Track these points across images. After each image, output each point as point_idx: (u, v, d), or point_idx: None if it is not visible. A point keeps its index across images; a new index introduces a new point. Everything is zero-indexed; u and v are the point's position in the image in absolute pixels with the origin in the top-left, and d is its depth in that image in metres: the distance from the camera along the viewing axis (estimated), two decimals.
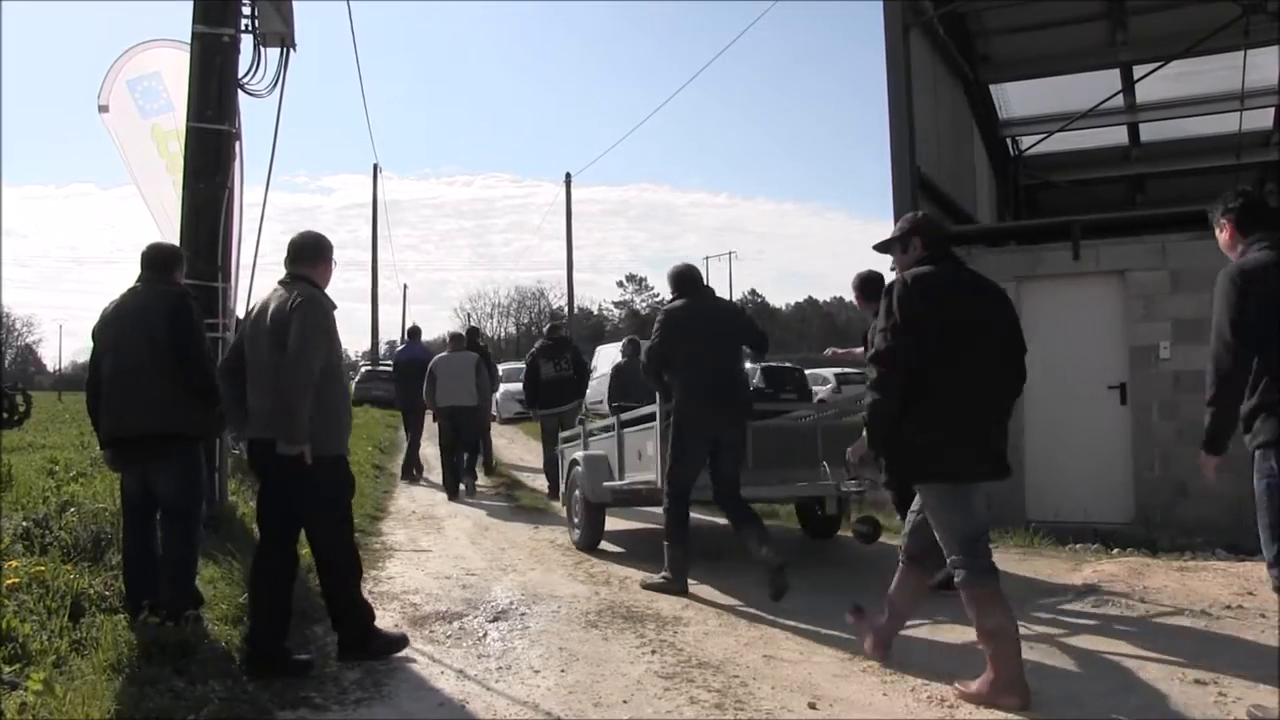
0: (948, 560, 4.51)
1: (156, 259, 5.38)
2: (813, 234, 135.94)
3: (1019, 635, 4.41)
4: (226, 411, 5.24)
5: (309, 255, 5.14)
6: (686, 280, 6.96)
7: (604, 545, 8.38)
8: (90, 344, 5.51)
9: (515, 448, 17.81)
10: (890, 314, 4.45)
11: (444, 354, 12.64)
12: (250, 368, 4.96)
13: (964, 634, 5.45)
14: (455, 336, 13.20)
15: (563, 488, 9.37)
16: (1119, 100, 13.81)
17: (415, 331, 15.88)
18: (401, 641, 5.18)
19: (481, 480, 13.06)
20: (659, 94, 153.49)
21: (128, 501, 5.34)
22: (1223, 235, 4.46)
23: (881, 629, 4.94)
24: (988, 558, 4.46)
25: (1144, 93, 13.96)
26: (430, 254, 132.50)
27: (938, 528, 4.54)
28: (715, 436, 6.59)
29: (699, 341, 6.63)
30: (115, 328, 5.23)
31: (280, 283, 5.08)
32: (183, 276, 5.55)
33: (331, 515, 4.99)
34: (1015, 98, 14.98)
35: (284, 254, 5.16)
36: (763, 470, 7.33)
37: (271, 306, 4.91)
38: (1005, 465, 4.56)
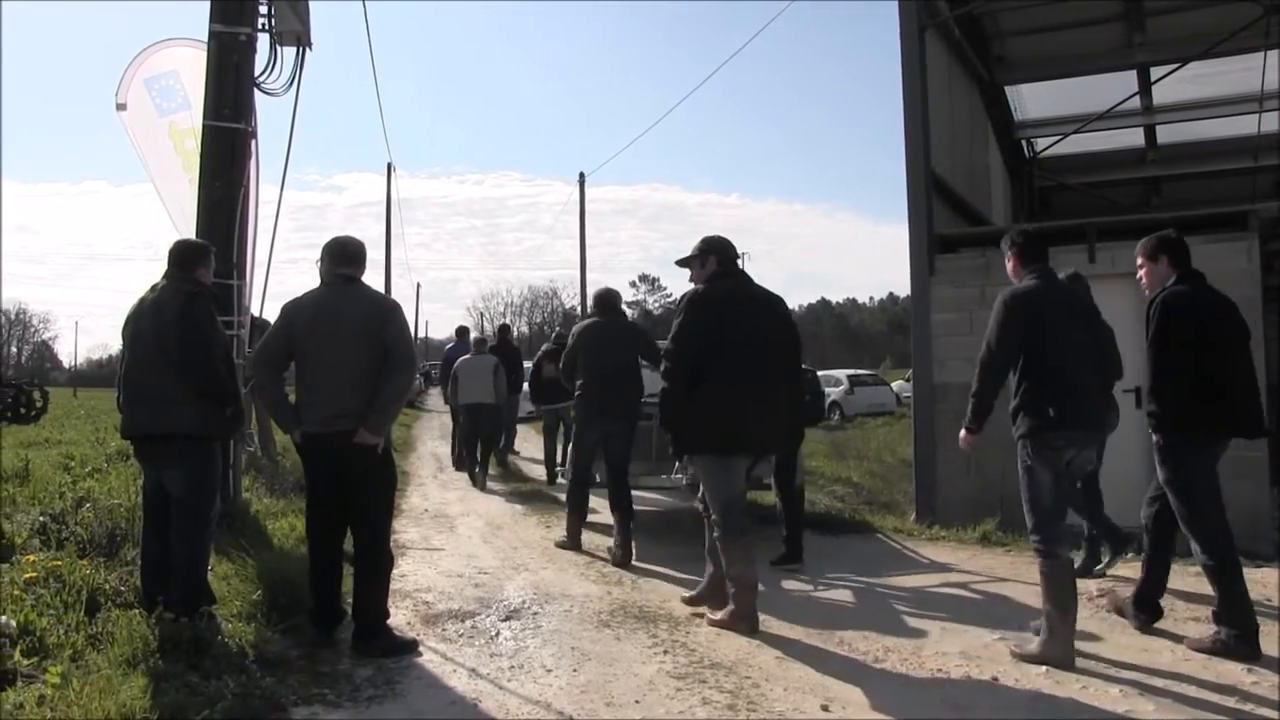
0: (709, 519, 5.77)
1: (179, 255, 5.40)
2: (823, 235, 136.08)
3: (756, 582, 5.65)
4: (275, 403, 5.42)
5: (356, 259, 5.41)
6: (601, 302, 8.61)
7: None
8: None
9: (528, 446, 17.81)
10: (682, 318, 5.66)
11: (466, 356, 13.52)
12: (321, 363, 5.14)
13: (977, 640, 5.45)
14: (478, 341, 13.96)
15: None
16: (1135, 102, 13.75)
17: (464, 331, 16.92)
18: (412, 645, 5.27)
19: (491, 471, 13.49)
20: (669, 93, 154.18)
21: (146, 499, 5.38)
22: (1010, 264, 5.49)
23: (711, 587, 5.96)
24: (741, 519, 5.63)
25: (1161, 94, 13.89)
26: (441, 252, 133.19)
27: (705, 491, 5.77)
28: (605, 429, 8.00)
29: (599, 353, 8.08)
30: (134, 325, 5.27)
31: (332, 284, 5.30)
32: (209, 273, 5.57)
33: (385, 501, 5.39)
34: (1031, 99, 14.92)
35: (324, 255, 5.35)
36: (662, 462, 8.86)
37: (347, 306, 5.18)
38: (778, 442, 5.91)
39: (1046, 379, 5.06)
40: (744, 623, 5.54)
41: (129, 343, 5.32)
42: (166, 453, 5.18)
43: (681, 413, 5.60)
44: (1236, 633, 5.02)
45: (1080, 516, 5.90)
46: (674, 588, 6.71)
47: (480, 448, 12.93)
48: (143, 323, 5.22)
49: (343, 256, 5.33)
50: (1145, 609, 5.61)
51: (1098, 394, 5.39)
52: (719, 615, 5.70)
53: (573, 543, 8.18)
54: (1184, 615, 5.87)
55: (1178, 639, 5.35)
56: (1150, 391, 5.28)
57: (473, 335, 15.11)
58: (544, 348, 13.56)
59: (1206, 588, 5.29)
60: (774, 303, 5.89)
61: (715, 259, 5.85)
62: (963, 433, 5.39)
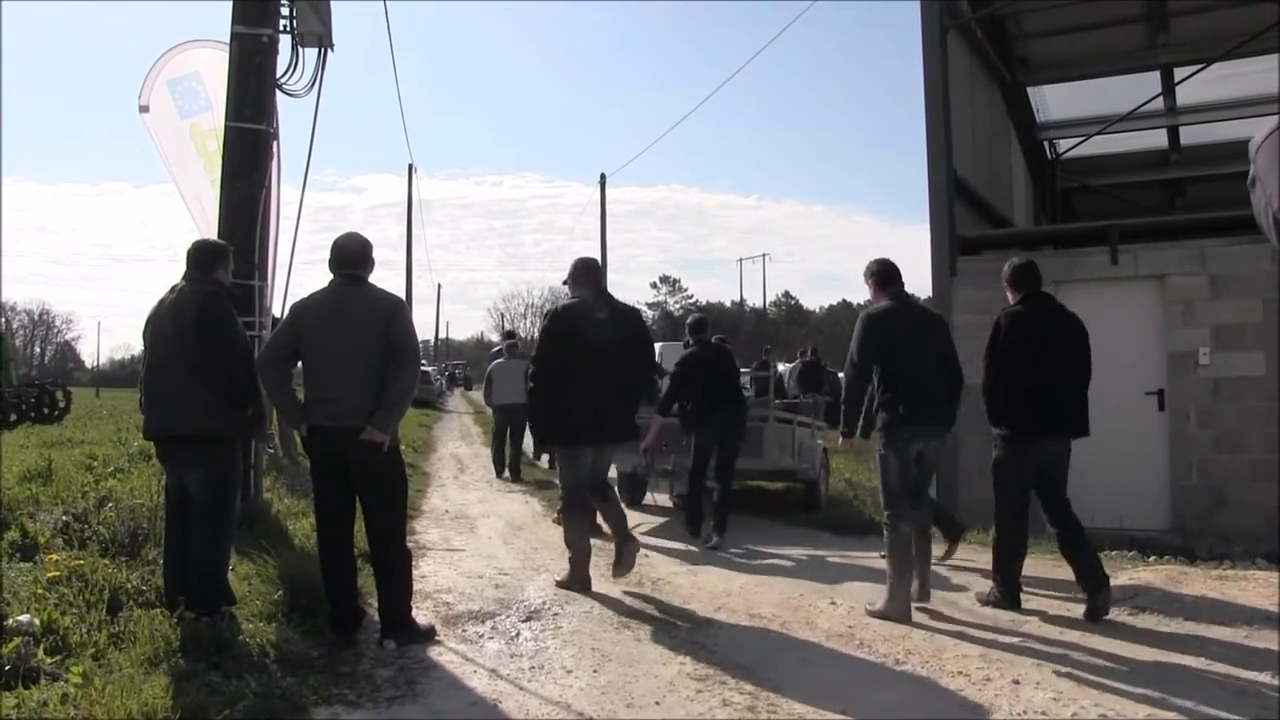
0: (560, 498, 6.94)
1: (196, 256, 5.42)
2: (843, 236, 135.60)
3: (590, 549, 6.71)
4: (283, 400, 5.41)
5: (357, 259, 5.40)
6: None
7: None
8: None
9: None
10: (543, 330, 6.73)
11: (501, 360, 14.63)
12: (326, 362, 5.18)
13: (997, 643, 5.42)
14: (510, 346, 15.24)
15: None
16: (1159, 103, 13.64)
17: (510, 334, 18.46)
18: (433, 632, 5.46)
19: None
20: (687, 94, 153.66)
21: (169, 500, 5.41)
22: (871, 292, 6.55)
23: (579, 573, 6.70)
24: (582, 498, 6.62)
25: (1184, 95, 13.77)
26: (460, 253, 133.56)
27: (560, 474, 6.82)
28: None
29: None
30: (154, 326, 5.30)
31: (339, 283, 5.33)
32: (228, 273, 5.59)
33: (399, 497, 5.45)
34: (1053, 100, 14.83)
35: (331, 255, 5.37)
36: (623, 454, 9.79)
37: (351, 305, 5.23)
38: (619, 433, 6.66)
39: (898, 384, 6.08)
40: (578, 584, 6.59)
41: (149, 344, 5.35)
42: (187, 453, 5.20)
43: (543, 410, 6.58)
44: (1004, 590, 6.16)
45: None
46: (694, 590, 6.71)
47: (510, 447, 13.89)
48: (162, 324, 5.25)
49: (343, 258, 5.36)
50: (1086, 594, 6.05)
51: (943, 396, 6.30)
52: (562, 578, 6.71)
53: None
54: (1209, 618, 5.82)
55: (1205, 640, 5.31)
56: (982, 392, 6.26)
57: (506, 343, 15.96)
58: None
59: (1234, 595, 5.25)
60: (627, 315, 6.86)
61: (581, 276, 6.77)
62: (840, 440, 6.53)
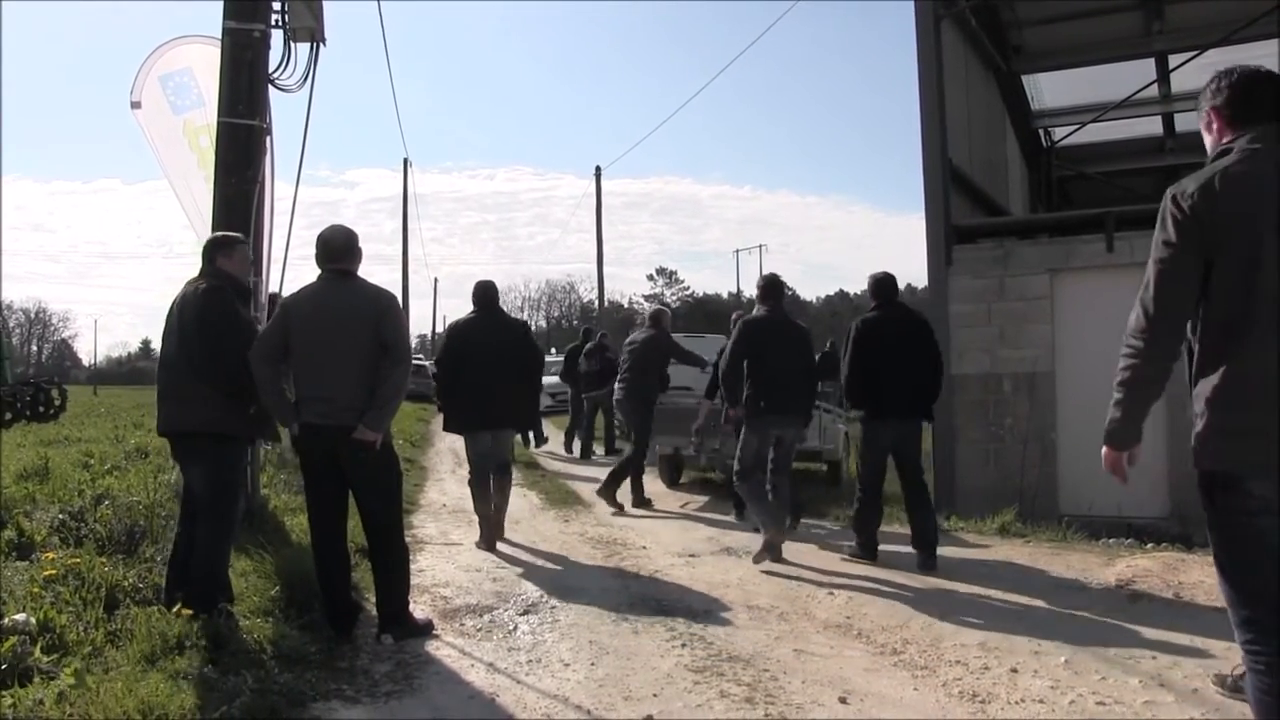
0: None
1: (203, 250, 5.39)
2: (839, 227, 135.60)
3: (489, 514, 7.98)
4: (273, 398, 5.27)
5: (344, 253, 5.34)
6: (653, 317, 11.38)
7: (634, 539, 8.44)
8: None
9: (549, 441, 17.84)
10: (444, 338, 8.50)
11: None
12: (317, 358, 5.13)
13: (995, 631, 5.43)
14: None
15: None
16: (1154, 90, 13.64)
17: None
18: (431, 626, 5.44)
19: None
20: (679, 86, 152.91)
21: (182, 496, 5.38)
22: (757, 298, 7.97)
23: (486, 534, 8.00)
24: (483, 474, 8.01)
25: (1179, 83, 13.76)
26: (455, 247, 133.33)
27: (465, 451, 8.27)
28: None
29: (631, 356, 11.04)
30: (167, 322, 5.27)
31: (327, 278, 5.29)
32: (231, 262, 5.41)
33: (394, 492, 5.44)
34: (1048, 88, 14.83)
35: (317, 249, 5.32)
36: (661, 435, 11.26)
37: (342, 301, 5.19)
38: (503, 421, 8.11)
39: (761, 381, 7.34)
40: (486, 544, 7.90)
41: (162, 339, 5.34)
42: (188, 450, 5.18)
43: (445, 405, 8.18)
44: (863, 542, 7.40)
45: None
46: (691, 581, 6.71)
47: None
48: (171, 320, 5.23)
49: (329, 252, 5.30)
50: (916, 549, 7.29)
51: (799, 394, 7.56)
52: (479, 541, 8.00)
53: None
54: (1207, 605, 5.82)
55: (1202, 627, 5.31)
56: (843, 382, 7.72)
57: None
58: (587, 347, 16.45)
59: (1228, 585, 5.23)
60: (513, 327, 8.45)
61: (476, 300, 8.25)
62: (729, 411, 7.73)
